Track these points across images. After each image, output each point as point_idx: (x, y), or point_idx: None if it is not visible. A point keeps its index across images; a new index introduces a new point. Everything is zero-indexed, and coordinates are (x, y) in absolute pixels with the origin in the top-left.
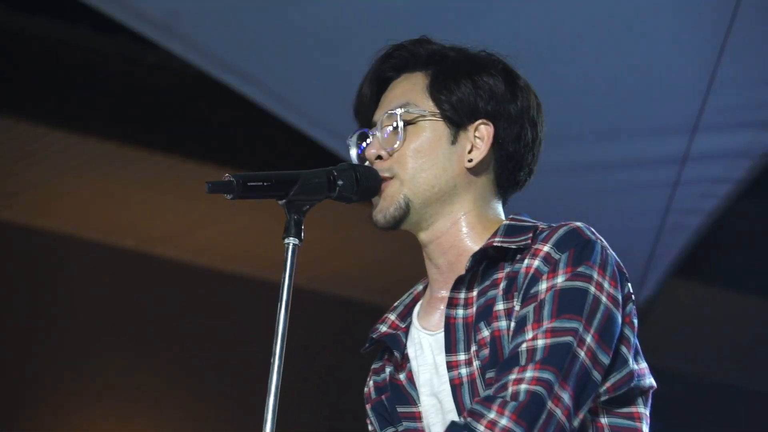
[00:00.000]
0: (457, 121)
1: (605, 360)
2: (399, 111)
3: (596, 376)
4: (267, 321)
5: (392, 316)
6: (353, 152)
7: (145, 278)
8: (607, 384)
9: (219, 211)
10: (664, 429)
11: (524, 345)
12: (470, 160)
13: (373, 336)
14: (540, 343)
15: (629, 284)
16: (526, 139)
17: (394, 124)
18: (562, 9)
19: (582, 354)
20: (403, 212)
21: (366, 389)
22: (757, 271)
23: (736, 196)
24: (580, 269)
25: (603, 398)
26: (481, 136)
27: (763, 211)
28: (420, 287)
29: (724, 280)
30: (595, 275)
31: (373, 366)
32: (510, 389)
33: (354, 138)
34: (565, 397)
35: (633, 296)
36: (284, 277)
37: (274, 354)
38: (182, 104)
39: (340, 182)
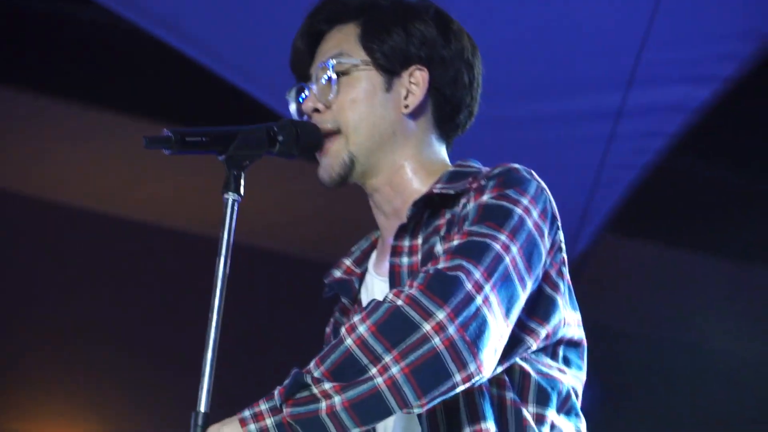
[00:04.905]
0: (390, 68)
1: (528, 281)
2: (332, 62)
3: (520, 290)
4: (204, 275)
5: (348, 261)
6: (292, 107)
7: (81, 234)
8: (548, 327)
9: (155, 167)
10: (595, 384)
11: (440, 249)
12: (407, 106)
13: (326, 281)
14: (455, 242)
15: (561, 233)
16: (463, 82)
17: (328, 76)
18: None
19: (507, 259)
20: (348, 169)
21: (327, 329)
22: (689, 225)
23: (669, 151)
24: (508, 191)
25: (541, 344)
26: (416, 81)
27: (697, 166)
28: (378, 233)
29: (657, 235)
30: (525, 201)
31: (336, 307)
32: (421, 273)
33: (292, 93)
34: (487, 288)
35: (564, 249)
36: (223, 233)
37: (213, 309)
38: (116, 59)
39: (280, 138)
